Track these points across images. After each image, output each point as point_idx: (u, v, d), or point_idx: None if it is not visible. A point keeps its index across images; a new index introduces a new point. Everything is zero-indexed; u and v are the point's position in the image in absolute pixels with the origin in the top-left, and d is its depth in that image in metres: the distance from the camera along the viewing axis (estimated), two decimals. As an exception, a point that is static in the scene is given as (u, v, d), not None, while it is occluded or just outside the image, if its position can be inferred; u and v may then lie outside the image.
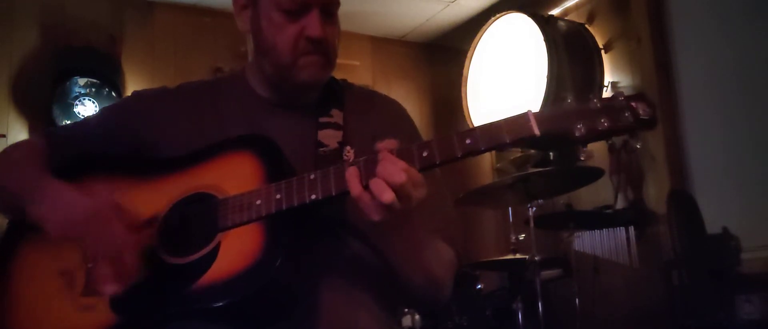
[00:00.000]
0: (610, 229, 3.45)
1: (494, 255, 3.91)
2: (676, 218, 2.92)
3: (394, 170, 1.03)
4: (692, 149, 3.38)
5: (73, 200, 1.17)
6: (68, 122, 3.32)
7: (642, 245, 3.38)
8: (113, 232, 1.12)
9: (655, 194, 3.38)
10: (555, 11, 3.95)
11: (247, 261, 1.09)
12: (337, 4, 1.30)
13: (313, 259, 1.20)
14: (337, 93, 1.39)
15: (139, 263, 1.13)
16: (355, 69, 4.26)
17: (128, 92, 3.56)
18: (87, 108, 3.35)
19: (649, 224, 3.38)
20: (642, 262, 3.35)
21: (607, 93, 3.54)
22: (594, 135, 1.04)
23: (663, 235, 3.24)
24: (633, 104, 1.05)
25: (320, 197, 1.10)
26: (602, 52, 3.67)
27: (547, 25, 3.52)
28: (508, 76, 3.67)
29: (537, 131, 1.03)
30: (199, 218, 1.17)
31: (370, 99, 1.44)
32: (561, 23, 3.68)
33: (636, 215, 3.41)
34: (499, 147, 1.06)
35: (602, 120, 1.04)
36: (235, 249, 1.12)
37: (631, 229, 3.41)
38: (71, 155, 1.29)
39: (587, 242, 3.51)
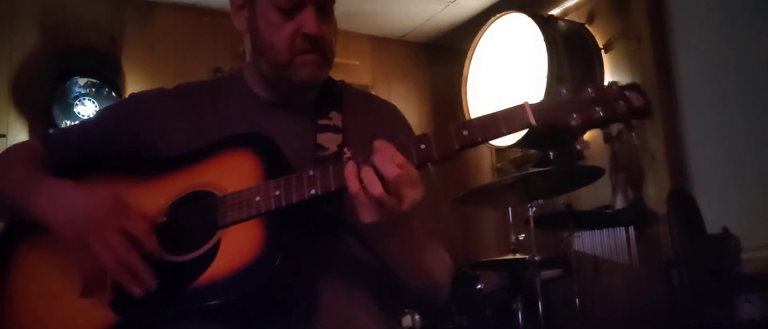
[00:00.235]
0: (610, 229, 3.45)
1: (494, 255, 3.91)
2: (676, 218, 2.92)
3: (388, 162, 1.03)
4: (692, 149, 3.38)
5: (75, 196, 1.17)
6: (68, 123, 3.32)
7: (642, 246, 3.38)
8: (133, 220, 1.12)
9: (655, 194, 3.38)
10: (555, 11, 3.95)
11: (247, 258, 1.09)
12: (333, 1, 1.30)
13: (314, 259, 1.20)
14: (336, 94, 1.39)
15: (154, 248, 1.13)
16: (355, 69, 4.26)
17: (128, 92, 3.57)
18: (87, 108, 3.34)
19: (649, 224, 3.38)
20: (642, 262, 3.35)
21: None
22: (589, 124, 1.06)
23: (663, 235, 3.24)
24: (627, 93, 1.07)
25: (319, 193, 1.10)
26: (602, 52, 3.67)
27: (547, 25, 3.52)
28: (508, 76, 3.67)
29: (533, 121, 1.05)
30: (199, 216, 1.17)
31: (368, 101, 1.45)
32: (561, 23, 3.68)
33: (636, 215, 3.41)
34: (497, 137, 1.07)
35: (597, 109, 1.06)
36: (235, 247, 1.12)
37: (631, 229, 3.41)
38: (70, 156, 1.29)
39: (587, 242, 3.51)
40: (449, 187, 3.35)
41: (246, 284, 1.06)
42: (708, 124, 3.34)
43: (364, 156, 1.07)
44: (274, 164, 1.18)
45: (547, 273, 3.18)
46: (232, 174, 1.19)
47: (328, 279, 1.21)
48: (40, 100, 3.38)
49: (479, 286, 3.18)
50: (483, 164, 4.56)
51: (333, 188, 1.10)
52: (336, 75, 1.47)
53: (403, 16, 4.23)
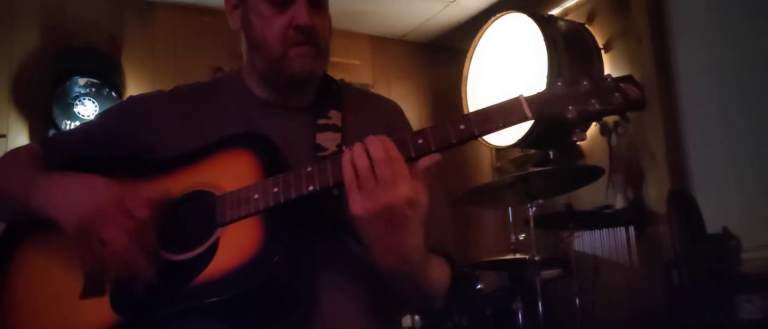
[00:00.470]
0: (610, 229, 3.45)
1: (494, 255, 3.91)
2: (676, 218, 2.92)
3: (378, 144, 1.04)
4: (692, 149, 3.38)
5: (74, 185, 1.17)
6: (68, 123, 3.32)
7: (642, 245, 3.38)
8: (137, 202, 1.12)
9: (655, 194, 3.38)
10: (555, 11, 3.95)
11: (246, 256, 1.09)
12: None
13: (313, 258, 1.21)
14: (335, 93, 1.38)
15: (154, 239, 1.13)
16: (355, 69, 4.26)
17: (128, 92, 3.57)
18: (87, 108, 3.34)
19: (649, 224, 3.38)
20: (642, 262, 3.36)
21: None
22: (585, 116, 1.07)
23: (663, 235, 3.24)
24: (622, 85, 1.08)
25: (318, 189, 1.10)
26: (602, 51, 3.67)
27: (547, 25, 3.52)
28: (508, 76, 3.67)
29: (529, 114, 1.06)
30: (198, 215, 1.17)
31: (368, 99, 1.45)
32: (561, 23, 3.68)
33: (636, 215, 3.41)
34: (494, 131, 1.08)
35: (593, 101, 1.06)
36: (234, 245, 1.12)
37: (631, 229, 3.41)
38: (69, 158, 1.29)
39: (587, 242, 3.51)
40: (449, 187, 3.35)
41: (245, 281, 1.06)
42: (708, 124, 3.34)
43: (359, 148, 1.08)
44: (273, 163, 1.18)
45: (547, 273, 3.17)
46: (231, 174, 1.19)
47: (327, 278, 1.21)
48: (40, 100, 3.38)
49: (479, 286, 3.18)
50: (483, 164, 4.56)
51: (331, 184, 1.10)
52: (336, 75, 1.47)
53: (403, 16, 4.23)
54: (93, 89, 3.36)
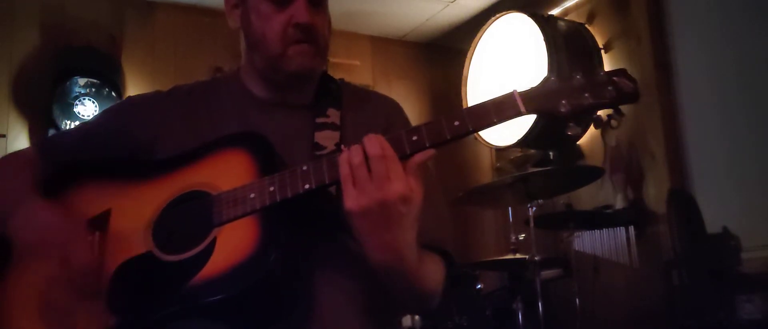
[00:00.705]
0: (610, 229, 3.45)
1: (494, 254, 3.91)
2: (676, 218, 2.92)
3: (372, 139, 1.05)
4: (692, 149, 3.38)
5: (46, 219, 1.20)
6: (68, 122, 3.32)
7: (642, 245, 3.38)
8: (70, 262, 1.15)
9: (655, 193, 3.38)
10: (555, 11, 3.95)
11: (243, 255, 1.09)
12: None
13: (311, 257, 1.20)
14: (334, 92, 1.38)
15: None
16: (355, 69, 4.26)
17: (128, 92, 3.57)
18: (87, 108, 3.34)
19: (649, 224, 3.38)
20: (642, 262, 3.36)
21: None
22: (579, 110, 1.08)
23: (663, 235, 3.24)
24: (615, 78, 1.08)
25: (314, 187, 1.11)
26: (602, 51, 3.67)
27: (547, 25, 3.52)
28: (508, 76, 3.67)
29: (523, 109, 1.07)
30: (194, 216, 1.17)
31: (367, 97, 1.44)
32: (561, 23, 3.68)
33: (636, 215, 3.41)
34: (488, 126, 1.09)
35: (586, 95, 1.08)
36: (231, 244, 1.12)
37: (631, 229, 3.41)
38: (64, 161, 1.29)
39: (587, 242, 3.52)
40: (449, 187, 3.35)
41: (242, 280, 1.06)
42: (708, 124, 3.34)
43: (355, 146, 1.08)
44: (268, 162, 1.18)
45: (547, 273, 3.18)
46: (227, 173, 1.19)
47: (325, 276, 1.21)
48: (40, 100, 3.38)
49: (479, 286, 3.18)
50: (483, 164, 4.56)
51: (327, 182, 1.10)
52: (337, 75, 1.47)
53: (403, 16, 4.23)
54: (93, 89, 3.36)
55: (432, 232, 1.23)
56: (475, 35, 3.89)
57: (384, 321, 1.29)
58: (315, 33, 1.27)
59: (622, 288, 3.47)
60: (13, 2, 3.49)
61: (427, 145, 1.08)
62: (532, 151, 3.79)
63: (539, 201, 3.03)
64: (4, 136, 3.31)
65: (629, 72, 1.11)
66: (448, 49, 4.56)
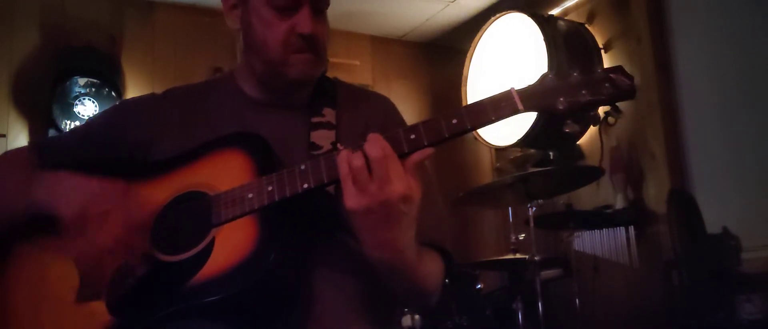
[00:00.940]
0: (610, 229, 3.45)
1: (494, 254, 3.91)
2: (676, 218, 2.92)
3: (373, 140, 1.05)
4: (692, 149, 3.38)
5: (79, 183, 1.18)
6: (68, 122, 3.32)
7: (642, 246, 3.38)
8: (129, 211, 1.14)
9: (655, 193, 3.38)
10: (555, 11, 3.95)
11: (242, 255, 1.10)
12: (327, 1, 1.30)
13: (310, 257, 1.21)
14: (329, 91, 1.39)
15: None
16: (355, 69, 4.26)
17: (128, 92, 3.57)
18: (87, 108, 3.34)
19: (649, 224, 3.38)
20: (642, 262, 3.36)
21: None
22: (576, 107, 1.08)
23: (663, 235, 3.24)
24: (612, 75, 1.09)
25: (312, 186, 1.11)
26: (602, 51, 3.67)
27: (547, 24, 3.52)
28: (508, 76, 3.67)
29: (520, 106, 1.08)
30: (192, 216, 1.17)
31: (362, 96, 1.44)
32: (561, 23, 3.68)
33: (636, 215, 3.41)
34: (486, 124, 1.09)
35: (583, 92, 1.08)
36: (230, 244, 1.12)
37: (631, 229, 3.41)
38: (60, 162, 1.29)
39: (587, 242, 3.51)
40: (449, 187, 3.36)
41: (242, 280, 1.07)
42: (708, 124, 3.34)
43: (358, 144, 1.08)
44: (266, 162, 1.19)
45: (547, 273, 3.17)
46: (225, 174, 1.19)
47: (324, 275, 1.21)
48: (40, 100, 3.38)
49: (479, 286, 3.18)
50: (483, 164, 4.56)
51: (325, 181, 1.10)
52: (337, 75, 1.48)
53: (403, 16, 4.23)
54: (93, 89, 3.37)
55: (430, 230, 1.23)
56: (475, 35, 3.89)
57: (383, 319, 1.30)
58: (317, 42, 1.27)
59: (622, 288, 3.47)
60: (13, 2, 3.49)
61: (426, 143, 1.08)
62: (532, 151, 3.79)
63: (539, 201, 3.03)
64: (4, 136, 3.31)
65: (629, 72, 1.11)
66: (448, 49, 4.56)
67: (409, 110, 4.34)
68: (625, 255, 3.39)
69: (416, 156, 1.08)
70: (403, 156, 1.07)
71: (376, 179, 1.04)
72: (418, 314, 2.90)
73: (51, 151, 1.35)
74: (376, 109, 1.40)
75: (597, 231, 3.49)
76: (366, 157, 1.04)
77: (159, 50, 3.77)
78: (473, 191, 3.22)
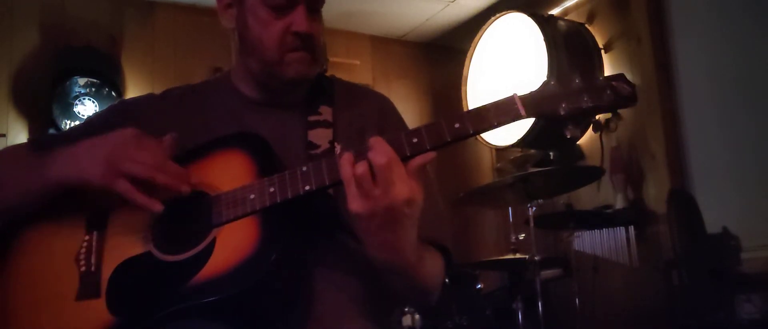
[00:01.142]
0: (610, 229, 3.45)
1: (494, 254, 3.91)
2: (676, 218, 2.92)
3: (377, 147, 1.05)
4: (692, 149, 3.38)
5: (90, 142, 1.19)
6: (68, 122, 3.32)
7: (642, 245, 3.38)
8: (150, 144, 1.17)
9: (655, 194, 3.38)
10: (555, 11, 3.95)
11: (243, 255, 1.10)
12: (322, 0, 1.30)
13: (311, 259, 1.21)
14: (326, 89, 1.39)
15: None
16: (355, 68, 4.26)
17: (128, 92, 3.57)
18: (87, 108, 3.34)
19: (649, 224, 3.39)
20: (642, 262, 3.36)
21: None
22: (578, 113, 1.09)
23: (663, 235, 3.24)
24: (613, 82, 1.10)
25: (314, 188, 1.11)
26: (602, 51, 3.67)
27: (547, 24, 3.52)
28: (508, 76, 3.67)
29: (523, 112, 1.08)
30: (193, 216, 1.17)
31: (359, 94, 1.44)
32: (561, 23, 3.68)
33: (636, 215, 3.41)
34: (488, 129, 1.10)
35: (585, 98, 1.09)
36: (231, 245, 1.12)
37: (631, 229, 3.41)
38: None
39: (587, 242, 3.51)
40: (450, 187, 3.35)
41: (242, 280, 1.07)
42: (708, 124, 3.34)
43: (360, 147, 1.08)
44: (267, 163, 1.19)
45: (547, 273, 3.18)
46: (225, 174, 1.20)
47: (324, 276, 1.21)
48: (40, 100, 3.38)
49: (479, 286, 3.18)
50: (483, 164, 4.56)
51: (327, 183, 1.11)
52: (337, 74, 1.48)
53: (403, 16, 4.23)
54: (93, 89, 3.37)
55: (430, 229, 1.24)
56: (475, 35, 3.89)
57: (383, 319, 1.30)
58: (313, 41, 1.27)
59: (621, 288, 3.47)
60: (13, 2, 3.49)
61: (428, 147, 1.08)
62: (533, 151, 3.79)
63: (539, 201, 3.03)
64: (4, 136, 3.31)
65: (629, 73, 1.12)
66: (448, 48, 4.56)
67: (409, 110, 4.34)
68: (625, 254, 3.39)
69: (419, 160, 1.08)
70: (405, 159, 1.07)
71: (380, 184, 1.04)
72: (419, 312, 2.91)
73: (47, 148, 1.35)
74: (374, 107, 1.40)
75: (597, 231, 3.49)
76: (370, 163, 1.04)
77: (159, 50, 3.77)
78: (473, 191, 3.23)
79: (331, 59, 3.79)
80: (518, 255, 3.15)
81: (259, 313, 1.11)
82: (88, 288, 1.16)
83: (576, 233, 3.32)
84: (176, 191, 1.15)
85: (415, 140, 1.08)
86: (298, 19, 1.24)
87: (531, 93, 1.11)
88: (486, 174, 4.51)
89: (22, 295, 1.21)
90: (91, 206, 1.24)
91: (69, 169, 1.18)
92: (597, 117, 3.43)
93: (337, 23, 4.04)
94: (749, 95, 3.20)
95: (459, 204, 3.30)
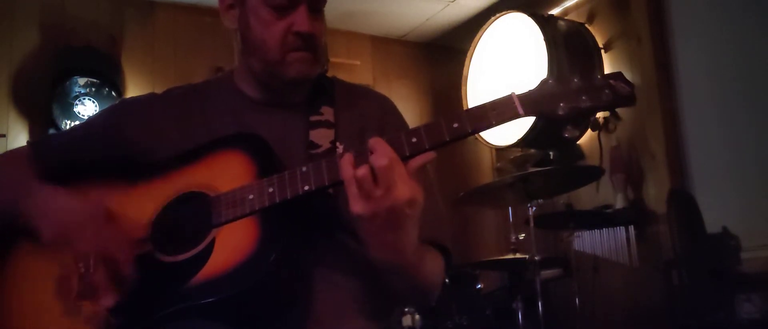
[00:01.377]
0: (610, 229, 3.45)
1: (494, 254, 3.91)
2: (676, 217, 2.92)
3: (379, 152, 1.04)
4: (692, 149, 3.38)
5: (66, 204, 1.19)
6: (68, 122, 3.32)
7: (642, 245, 3.38)
8: (108, 236, 1.14)
9: (655, 193, 3.38)
10: (555, 11, 3.95)
11: (242, 256, 1.10)
12: (324, 0, 1.30)
13: (310, 259, 1.21)
14: (328, 90, 1.39)
15: (133, 268, 1.15)
16: (355, 68, 4.26)
17: (128, 92, 3.57)
18: (87, 108, 3.35)
19: (649, 223, 3.39)
20: (642, 262, 3.36)
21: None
22: (576, 113, 1.09)
23: (663, 235, 3.24)
24: (612, 82, 1.10)
25: (313, 188, 1.11)
26: (602, 51, 3.67)
27: (547, 24, 3.52)
28: (508, 76, 3.67)
29: (521, 111, 1.08)
30: (193, 217, 1.17)
31: (360, 94, 1.44)
32: (561, 23, 3.68)
33: (636, 215, 3.41)
34: (487, 128, 1.10)
35: (583, 98, 1.09)
36: (230, 245, 1.12)
37: (631, 229, 3.41)
38: (59, 162, 1.29)
39: (587, 241, 3.52)
40: (449, 187, 3.35)
41: (242, 281, 1.07)
42: (708, 123, 3.34)
43: (361, 148, 1.08)
44: (267, 163, 1.19)
45: (547, 273, 3.18)
46: (225, 174, 1.20)
47: (323, 276, 1.21)
48: (40, 100, 3.38)
49: (479, 286, 3.18)
50: (483, 164, 4.56)
51: (327, 183, 1.11)
52: (337, 75, 1.48)
53: (404, 16, 4.23)
54: (93, 89, 3.37)
55: (430, 229, 1.24)
56: (475, 35, 3.90)
57: (383, 319, 1.30)
58: (314, 41, 1.27)
59: (621, 287, 3.47)
60: (13, 2, 3.49)
61: (427, 147, 1.08)
62: (532, 151, 3.79)
63: (539, 201, 3.03)
64: (4, 136, 3.31)
65: (629, 72, 1.12)
66: (448, 48, 4.56)
67: (410, 110, 4.34)
68: (625, 254, 3.40)
69: (419, 160, 1.08)
70: (404, 159, 1.08)
71: (381, 186, 1.04)
72: (419, 312, 2.91)
73: (49, 151, 1.35)
74: (375, 107, 1.40)
75: (597, 231, 3.49)
76: (371, 165, 1.04)
77: (159, 50, 3.77)
78: (473, 191, 3.22)
79: (332, 60, 3.79)
80: (518, 255, 3.15)
81: (258, 313, 1.11)
82: (87, 288, 1.16)
83: (576, 233, 3.32)
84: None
85: (414, 140, 1.08)
86: (299, 19, 1.24)
87: (529, 92, 1.11)
88: (486, 174, 4.51)
89: (22, 297, 1.21)
90: None
91: (31, 219, 1.20)
92: (596, 116, 3.45)
93: (338, 23, 4.03)
94: (749, 94, 3.19)
95: (459, 204, 3.29)
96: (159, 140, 1.30)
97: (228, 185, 1.17)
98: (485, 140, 3.73)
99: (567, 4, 3.96)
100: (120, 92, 3.46)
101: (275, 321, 1.14)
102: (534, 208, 2.98)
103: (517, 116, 1.09)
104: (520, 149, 3.83)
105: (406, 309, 2.90)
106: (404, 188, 1.04)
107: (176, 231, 1.18)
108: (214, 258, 1.11)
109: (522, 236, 3.24)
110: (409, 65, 4.56)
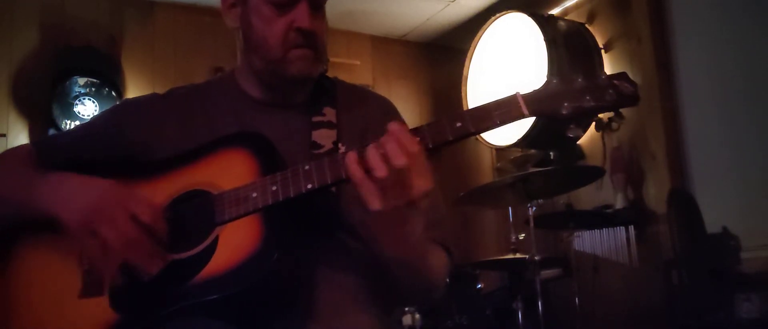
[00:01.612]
0: (610, 229, 3.45)
1: (494, 254, 3.91)
2: (676, 217, 2.92)
3: (397, 149, 1.03)
4: (692, 149, 3.38)
5: (80, 184, 1.18)
6: (68, 122, 3.32)
7: (642, 245, 3.39)
8: (141, 205, 1.13)
9: (655, 193, 3.38)
10: (555, 11, 3.95)
11: (245, 254, 1.10)
12: None
13: (312, 257, 1.21)
14: (329, 90, 1.39)
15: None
16: (355, 68, 4.26)
17: (128, 92, 3.57)
18: (87, 108, 3.35)
19: (649, 223, 3.39)
20: (642, 262, 3.36)
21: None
22: (580, 112, 1.09)
23: (663, 235, 3.25)
24: (616, 81, 1.10)
25: (316, 186, 1.11)
26: (602, 51, 3.67)
27: (547, 24, 3.52)
28: (508, 76, 3.67)
29: (526, 111, 1.08)
30: (196, 215, 1.17)
31: (362, 96, 1.45)
32: (561, 23, 3.68)
33: (636, 215, 3.41)
34: (491, 128, 1.09)
35: (587, 98, 1.09)
36: (233, 243, 1.12)
37: (631, 229, 3.41)
38: (62, 161, 1.29)
39: (587, 241, 3.52)
40: (449, 187, 3.35)
41: (245, 279, 1.07)
42: (708, 124, 3.34)
43: (363, 145, 1.08)
44: (270, 161, 1.19)
45: (547, 273, 3.18)
46: (228, 173, 1.20)
47: (325, 274, 1.22)
48: (40, 100, 3.38)
49: (479, 286, 3.19)
50: (483, 164, 4.56)
51: (329, 182, 1.11)
52: (337, 75, 1.48)
53: (404, 16, 4.23)
54: (93, 89, 3.37)
55: (433, 228, 1.24)
56: (475, 35, 3.90)
57: (384, 316, 1.30)
58: (315, 38, 1.27)
59: (621, 287, 3.47)
60: (13, 2, 3.49)
61: (430, 146, 1.08)
62: (533, 151, 3.79)
63: (539, 201, 3.03)
64: (4, 136, 3.31)
65: (630, 73, 1.12)
66: (448, 48, 4.57)
67: (410, 110, 4.34)
68: (625, 254, 3.40)
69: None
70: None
71: (401, 182, 1.04)
72: (419, 312, 2.91)
73: (52, 150, 1.35)
74: (376, 109, 1.40)
75: (597, 231, 3.50)
76: (390, 163, 1.03)
77: (159, 50, 3.77)
78: (473, 191, 3.22)
79: (332, 60, 3.79)
80: (518, 255, 3.15)
81: (260, 311, 1.11)
82: (91, 286, 1.16)
83: (576, 233, 3.32)
84: (146, 272, 1.13)
85: (417, 139, 1.08)
86: (300, 16, 1.24)
87: (533, 92, 1.10)
88: (486, 174, 4.51)
89: (25, 294, 1.21)
90: None
91: (49, 205, 1.17)
92: (600, 116, 3.46)
93: (338, 23, 4.03)
94: (750, 94, 3.20)
95: (459, 204, 3.29)
96: (161, 140, 1.31)
97: (231, 183, 1.17)
98: (485, 140, 3.73)
99: (567, 4, 3.96)
100: (120, 92, 3.46)
101: (277, 319, 1.14)
102: (534, 208, 2.98)
103: (521, 115, 1.08)
104: (520, 149, 3.83)
105: (407, 309, 2.91)
106: (420, 182, 1.05)
107: (180, 229, 1.18)
108: (217, 256, 1.12)
109: (522, 237, 3.24)
110: (409, 65, 4.56)
